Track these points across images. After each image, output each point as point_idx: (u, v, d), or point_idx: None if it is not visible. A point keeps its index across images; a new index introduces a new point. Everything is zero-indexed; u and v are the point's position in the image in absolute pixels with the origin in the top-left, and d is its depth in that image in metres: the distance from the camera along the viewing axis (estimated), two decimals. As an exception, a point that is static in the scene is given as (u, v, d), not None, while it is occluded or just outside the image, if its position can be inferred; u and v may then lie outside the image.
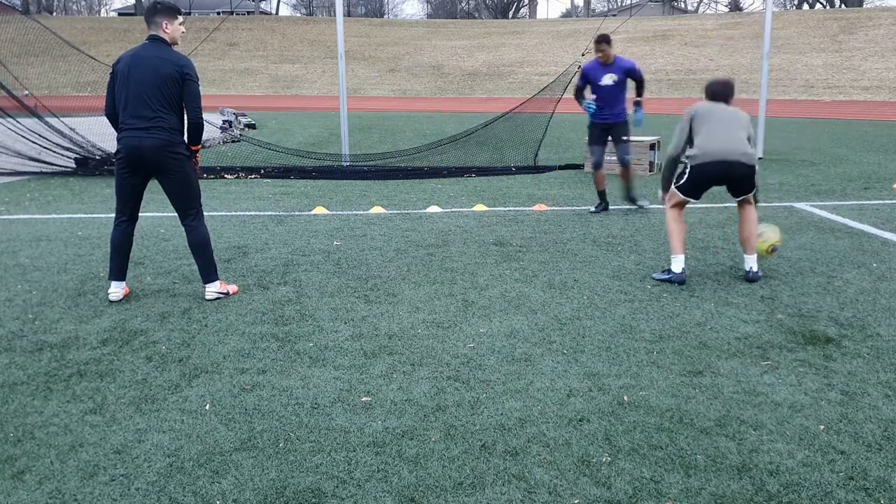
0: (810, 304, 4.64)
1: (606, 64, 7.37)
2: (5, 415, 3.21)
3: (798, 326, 4.25)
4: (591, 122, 7.59)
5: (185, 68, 4.52)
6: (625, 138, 7.58)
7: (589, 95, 7.55)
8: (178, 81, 4.50)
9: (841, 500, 2.56)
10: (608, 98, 7.42)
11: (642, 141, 10.56)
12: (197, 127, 4.61)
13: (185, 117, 4.64)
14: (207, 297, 4.77)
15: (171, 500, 2.58)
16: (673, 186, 5.18)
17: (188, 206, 4.74)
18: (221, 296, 4.81)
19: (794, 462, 2.80)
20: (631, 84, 7.57)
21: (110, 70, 4.65)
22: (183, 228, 4.82)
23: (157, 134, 4.48)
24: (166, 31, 4.60)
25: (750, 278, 5.12)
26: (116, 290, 4.77)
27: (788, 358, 3.80)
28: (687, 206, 5.26)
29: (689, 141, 5.13)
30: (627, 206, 7.89)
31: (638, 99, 7.56)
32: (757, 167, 5.06)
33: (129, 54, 4.59)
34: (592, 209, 7.76)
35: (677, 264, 5.11)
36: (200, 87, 4.67)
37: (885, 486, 2.64)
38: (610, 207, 7.83)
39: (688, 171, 5.07)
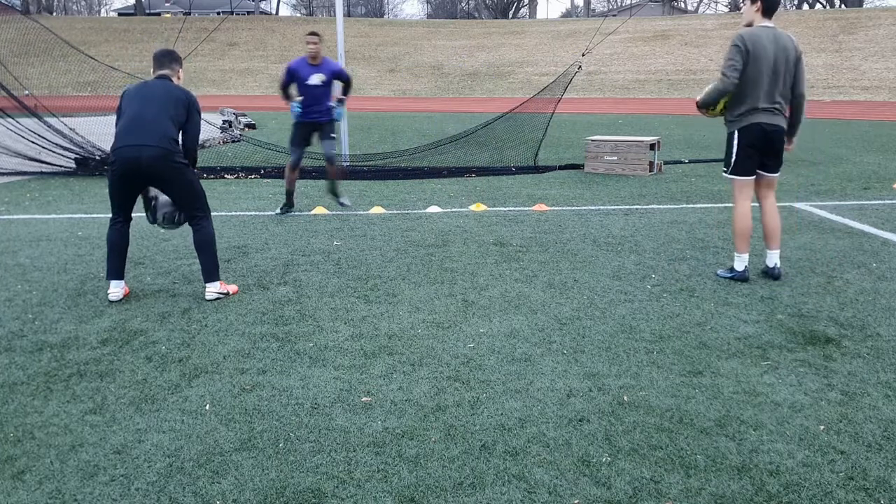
0: (810, 304, 4.64)
1: (314, 63, 7.30)
2: (5, 415, 3.21)
3: (798, 326, 4.25)
4: (297, 121, 7.47)
5: (194, 100, 4.80)
6: (333, 135, 7.60)
7: (294, 95, 7.43)
8: (185, 107, 4.71)
9: (841, 500, 2.56)
10: (315, 97, 7.33)
11: (642, 141, 10.56)
12: (191, 153, 4.79)
13: (182, 142, 4.79)
14: (207, 297, 4.77)
15: (171, 500, 2.58)
16: (729, 174, 5.09)
17: (195, 209, 4.81)
18: (221, 296, 4.82)
19: (794, 462, 2.80)
20: (341, 83, 7.60)
21: (119, 97, 4.81)
22: (190, 227, 4.87)
23: (158, 143, 4.54)
24: (179, 76, 4.93)
25: (773, 274, 5.11)
26: (116, 289, 4.78)
27: (788, 358, 3.80)
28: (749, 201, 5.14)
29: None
30: (339, 204, 7.94)
31: (341, 97, 7.56)
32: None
33: (138, 83, 4.82)
34: (277, 211, 7.72)
35: (740, 263, 5.12)
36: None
37: (885, 486, 2.64)
38: (346, 204, 7.95)
39: (735, 142, 4.97)
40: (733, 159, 5.02)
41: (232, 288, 4.95)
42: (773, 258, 5.16)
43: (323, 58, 7.35)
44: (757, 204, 5.20)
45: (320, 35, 7.36)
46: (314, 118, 7.44)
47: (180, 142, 4.72)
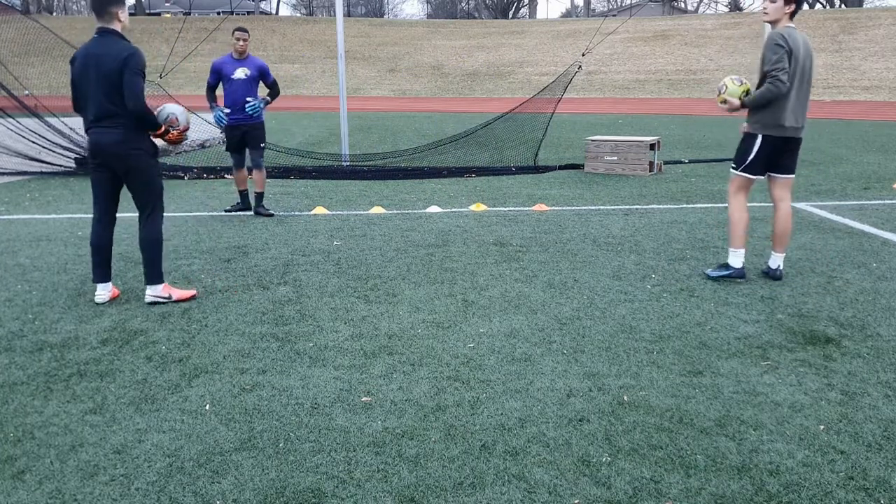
0: (810, 304, 4.64)
1: (239, 58, 7.11)
2: (5, 415, 3.21)
3: (798, 326, 4.25)
4: (226, 125, 7.19)
5: (132, 58, 4.36)
6: (262, 145, 7.38)
7: (219, 97, 7.21)
8: (120, 73, 4.35)
9: (841, 500, 2.56)
10: (240, 94, 7.11)
11: (642, 141, 10.56)
12: (137, 116, 4.41)
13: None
14: (146, 300, 4.64)
15: (171, 500, 2.58)
16: (738, 172, 5.01)
17: (146, 204, 4.63)
18: (161, 300, 4.64)
19: (794, 462, 2.80)
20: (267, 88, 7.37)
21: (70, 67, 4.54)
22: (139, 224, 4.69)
23: (115, 129, 4.42)
24: (121, 19, 4.49)
25: (775, 276, 5.11)
26: (103, 292, 4.69)
27: (788, 358, 3.80)
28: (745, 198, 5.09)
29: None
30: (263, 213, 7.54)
31: (266, 98, 7.23)
32: None
33: (83, 51, 4.49)
34: (227, 207, 7.79)
35: (738, 259, 5.07)
36: (140, 78, 4.42)
37: (885, 486, 2.64)
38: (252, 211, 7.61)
39: (757, 145, 4.90)
40: (750, 159, 4.93)
41: (178, 293, 4.72)
42: (777, 260, 5.14)
43: (248, 54, 7.18)
44: (770, 204, 5.16)
45: (248, 32, 7.20)
46: (240, 119, 7.18)
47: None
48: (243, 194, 7.70)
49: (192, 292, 4.81)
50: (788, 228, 5.09)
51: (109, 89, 4.39)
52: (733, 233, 5.08)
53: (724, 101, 4.99)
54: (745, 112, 4.99)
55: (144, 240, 4.63)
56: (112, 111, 4.41)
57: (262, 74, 7.19)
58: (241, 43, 7.08)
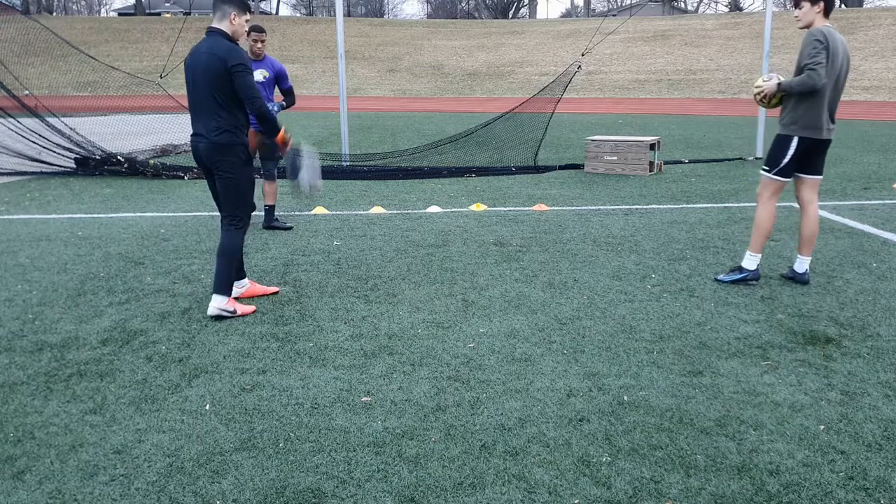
0: (810, 304, 4.64)
1: (257, 59, 6.63)
2: (5, 415, 3.21)
3: (798, 326, 4.25)
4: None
5: (236, 60, 4.23)
6: (279, 154, 6.63)
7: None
8: (226, 75, 4.23)
9: (841, 500, 2.56)
10: None
11: (642, 141, 10.56)
12: (263, 120, 4.38)
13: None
14: (209, 312, 4.39)
15: (171, 500, 2.58)
16: (772, 175, 4.91)
17: (226, 210, 4.49)
18: (226, 314, 4.40)
19: (794, 462, 2.80)
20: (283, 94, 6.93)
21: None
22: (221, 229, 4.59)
23: (206, 134, 4.33)
24: (233, 22, 4.37)
25: (803, 280, 5.04)
26: (236, 288, 4.73)
27: (788, 358, 3.80)
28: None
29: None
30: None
31: (282, 103, 6.81)
32: None
33: (191, 53, 4.40)
34: (266, 225, 6.98)
35: (753, 262, 5.02)
36: (250, 76, 4.31)
37: (885, 486, 2.64)
38: (279, 220, 7.07)
39: (792, 148, 4.82)
40: (784, 162, 4.85)
41: (242, 308, 4.51)
42: (804, 264, 5.06)
43: (265, 55, 6.75)
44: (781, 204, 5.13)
45: (265, 31, 6.72)
46: (255, 124, 6.36)
47: (234, 120, 4.34)
48: (270, 210, 6.99)
49: (252, 308, 4.55)
50: (816, 231, 5.02)
51: (218, 89, 4.26)
52: (756, 237, 4.99)
53: (761, 92, 4.88)
54: (776, 111, 4.94)
55: (220, 247, 4.46)
56: (211, 115, 4.30)
57: (279, 78, 6.79)
58: (258, 45, 6.61)
